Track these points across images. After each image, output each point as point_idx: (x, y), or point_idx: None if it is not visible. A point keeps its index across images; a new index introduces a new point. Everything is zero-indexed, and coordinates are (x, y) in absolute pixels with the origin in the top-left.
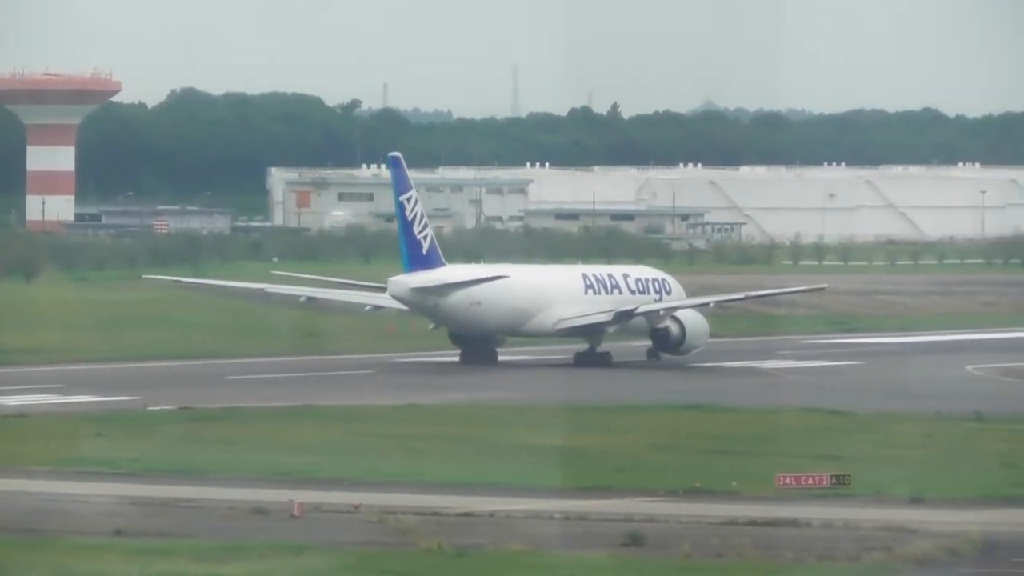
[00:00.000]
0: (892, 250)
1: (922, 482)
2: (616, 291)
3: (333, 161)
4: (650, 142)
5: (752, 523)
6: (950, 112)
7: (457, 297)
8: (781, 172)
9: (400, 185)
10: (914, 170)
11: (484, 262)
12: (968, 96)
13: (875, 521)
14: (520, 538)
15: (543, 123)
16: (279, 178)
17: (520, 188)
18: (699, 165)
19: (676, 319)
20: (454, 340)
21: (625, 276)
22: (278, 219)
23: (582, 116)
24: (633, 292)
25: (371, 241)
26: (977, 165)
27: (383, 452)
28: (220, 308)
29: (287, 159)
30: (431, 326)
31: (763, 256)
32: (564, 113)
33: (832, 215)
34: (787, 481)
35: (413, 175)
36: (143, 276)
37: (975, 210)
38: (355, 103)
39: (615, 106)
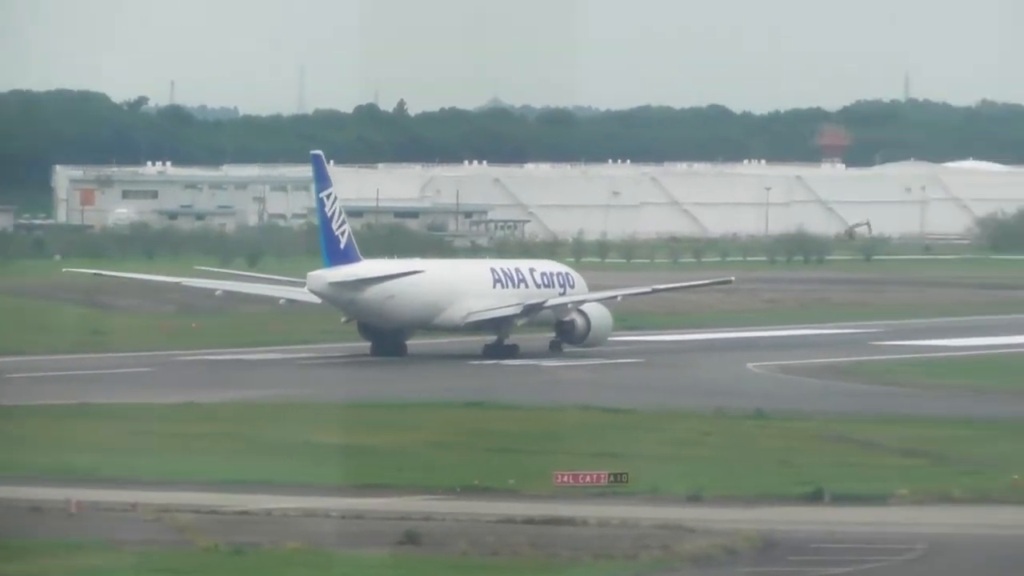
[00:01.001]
0: (675, 247)
1: (701, 480)
2: (523, 285)
3: (119, 158)
4: (436, 139)
5: (529, 521)
6: (736, 109)
7: (372, 291)
8: (566, 169)
9: (320, 182)
10: (699, 167)
11: (266, 259)
12: (754, 93)
13: (653, 519)
14: (297, 536)
15: (329, 120)
16: (63, 176)
17: (305, 185)
18: (484, 162)
19: (582, 312)
20: (364, 333)
21: (531, 270)
22: (62, 217)
23: (368, 113)
24: (539, 286)
25: (155, 238)
26: (762, 162)
27: (161, 450)
28: (2, 305)
29: (73, 157)
30: (343, 319)
31: (545, 253)
32: (350, 110)
33: (616, 212)
34: (565, 479)
35: (197, 172)
36: None
37: (759, 207)
38: (142, 100)
39: (401, 103)
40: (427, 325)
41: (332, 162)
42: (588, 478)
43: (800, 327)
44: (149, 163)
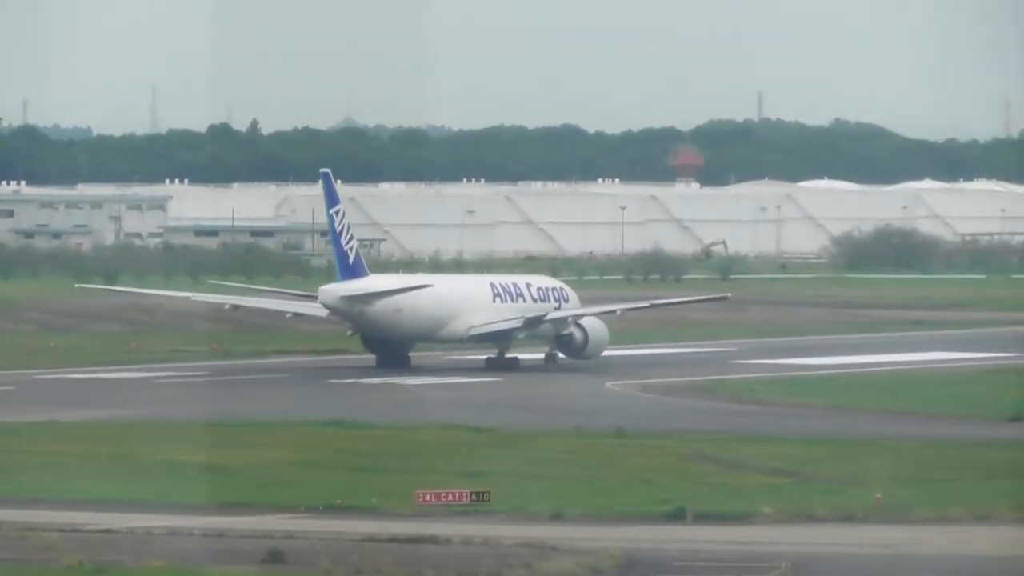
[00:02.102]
0: (531, 266)
1: (563, 498)
2: (520, 299)
3: None
4: (290, 158)
5: (393, 540)
6: (589, 129)
7: (380, 305)
8: (420, 188)
9: (329, 200)
10: (554, 186)
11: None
12: (608, 114)
13: (516, 537)
14: (160, 554)
15: (183, 139)
16: None
17: (160, 204)
18: (339, 181)
19: (580, 326)
20: (368, 345)
21: (528, 285)
22: None
23: (222, 132)
24: (535, 300)
25: (12, 257)
26: (616, 181)
27: (23, 468)
28: None
29: None
30: (349, 332)
31: (402, 272)
32: (204, 129)
33: (471, 231)
34: (427, 498)
35: (52, 192)
36: None
37: (615, 226)
38: None
39: (255, 123)
40: (431, 338)
41: (187, 181)
42: (450, 496)
43: (658, 346)
44: (3, 182)
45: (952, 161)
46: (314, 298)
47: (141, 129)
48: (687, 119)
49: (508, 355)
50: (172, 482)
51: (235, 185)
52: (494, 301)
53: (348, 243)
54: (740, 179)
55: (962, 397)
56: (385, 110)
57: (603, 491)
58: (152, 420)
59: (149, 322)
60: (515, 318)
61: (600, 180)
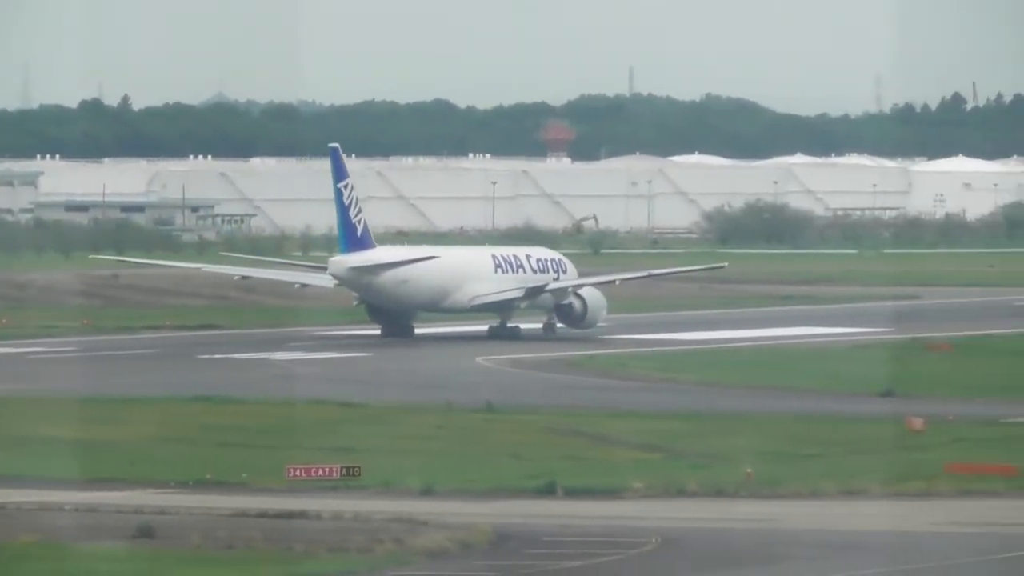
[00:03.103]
0: (403, 242)
1: (433, 474)
2: (520, 270)
3: None
4: (161, 134)
5: (263, 515)
6: (460, 104)
7: (387, 276)
8: (292, 164)
9: (337, 173)
10: (425, 161)
11: None
12: (478, 88)
13: (386, 513)
14: (31, 530)
15: (54, 115)
16: None
17: (31, 180)
18: (210, 157)
19: (579, 296)
20: (373, 316)
21: (528, 256)
22: None
23: (93, 108)
24: (535, 271)
25: None
26: (488, 156)
27: None
28: None
29: None
30: (355, 303)
31: (273, 247)
32: (75, 105)
33: None
34: (297, 473)
35: None
36: None
37: (486, 201)
38: None
39: (126, 98)
40: (435, 308)
41: (58, 157)
42: (320, 472)
43: (526, 322)
44: None
45: (823, 136)
46: (322, 269)
47: (12, 105)
48: (558, 94)
49: (509, 324)
50: (42, 457)
51: (106, 161)
52: (495, 272)
53: (356, 216)
54: (611, 154)
55: (833, 372)
56: (256, 85)
57: (473, 466)
58: (22, 395)
59: (20, 297)
60: (516, 288)
61: (471, 155)
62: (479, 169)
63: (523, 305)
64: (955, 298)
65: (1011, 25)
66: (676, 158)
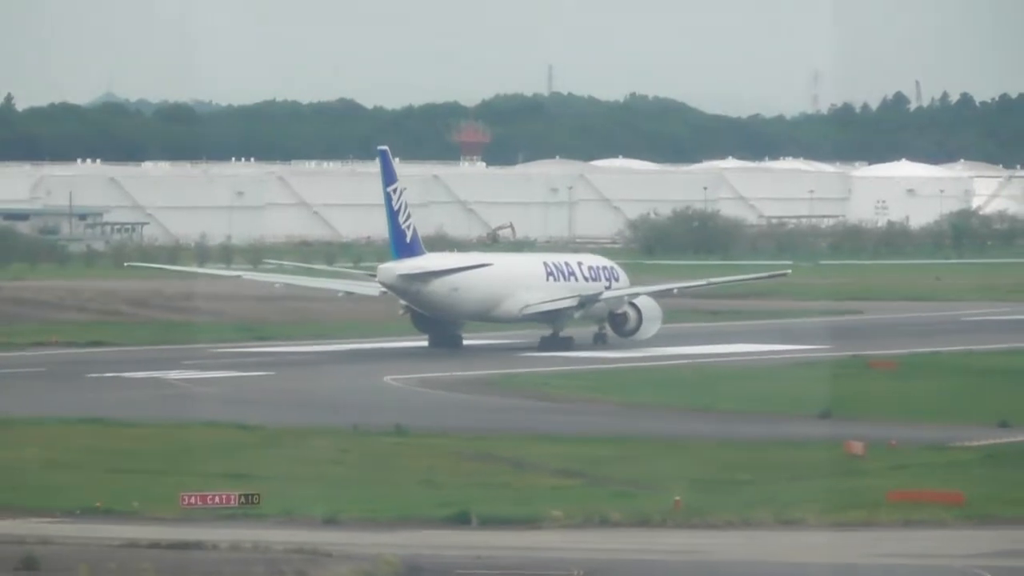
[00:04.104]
0: (306, 252)
1: (338, 501)
2: (572, 278)
3: None
4: (47, 136)
5: (155, 545)
6: (367, 104)
7: (437, 283)
8: (187, 168)
9: (387, 177)
10: (329, 166)
11: None
12: (386, 88)
13: (288, 543)
14: None
15: None
16: None
17: None
18: (99, 161)
19: (633, 305)
20: (420, 325)
21: (580, 263)
22: None
23: None
24: (587, 279)
25: None
26: (396, 160)
27: None
28: None
29: None
30: (400, 312)
31: (166, 258)
32: None
33: (241, 214)
34: (192, 500)
35: None
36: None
37: None
38: None
39: (9, 97)
40: (485, 317)
41: None
42: (217, 499)
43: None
44: None
45: (756, 138)
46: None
47: None
48: (472, 93)
49: (563, 334)
50: None
51: None
52: (547, 280)
53: (406, 221)
54: (529, 158)
55: (767, 393)
56: (149, 84)
57: (381, 493)
58: None
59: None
60: (570, 296)
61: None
62: None
63: (576, 315)
64: (899, 313)
65: (958, 19)
66: (599, 162)
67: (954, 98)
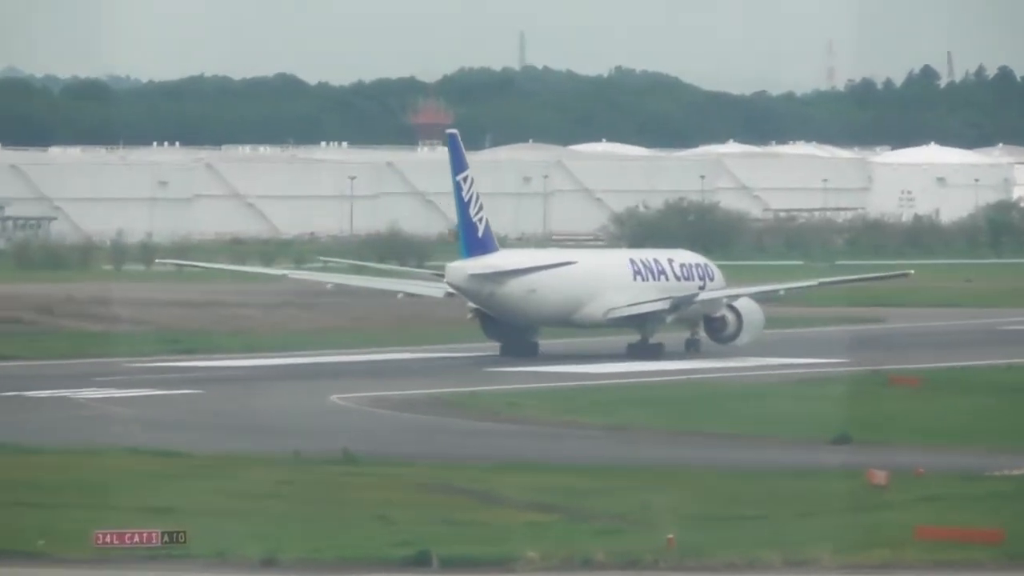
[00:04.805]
0: (240, 250)
1: (277, 540)
2: (663, 277)
3: None
4: None
5: None
6: (310, 79)
7: (514, 284)
8: (101, 154)
9: (456, 164)
10: (266, 151)
11: None
12: (333, 61)
13: None
14: None
15: None
16: None
17: None
18: None
19: (733, 308)
20: (491, 331)
21: (670, 261)
22: None
23: None
24: (679, 278)
25: None
26: (344, 145)
27: None
28: None
29: None
30: (469, 315)
31: (77, 259)
32: None
33: (164, 207)
34: (108, 539)
35: None
36: None
37: (342, 200)
38: None
39: None
40: (565, 322)
41: None
42: (136, 538)
43: (397, 350)
44: None
45: (761, 120)
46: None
47: None
48: (432, 68)
49: (653, 341)
50: None
51: None
52: (634, 279)
53: (477, 214)
54: (498, 142)
55: (774, 414)
56: (57, 58)
57: (327, 530)
58: None
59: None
60: (661, 299)
61: (324, 143)
62: (333, 161)
63: (669, 319)
64: (926, 321)
65: None
66: (578, 147)
67: (991, 72)
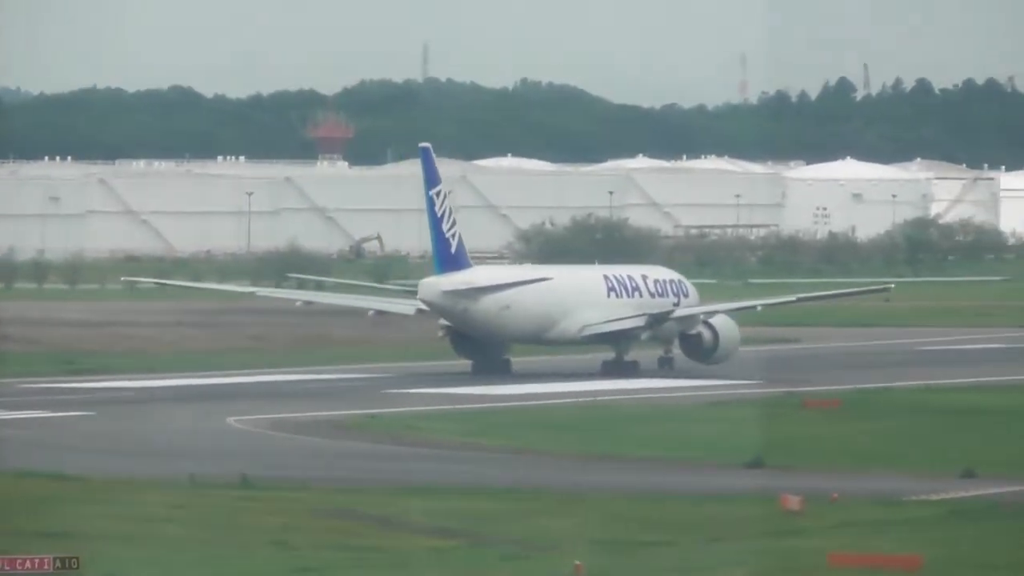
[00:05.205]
0: (134, 269)
1: (171, 566)
2: (637, 293)
3: None
4: None
5: None
6: (207, 92)
7: (487, 301)
8: None
9: (429, 178)
10: (161, 166)
11: None
12: (229, 74)
13: None
14: None
15: None
16: None
17: None
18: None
19: (709, 325)
20: (461, 348)
21: (644, 277)
22: None
23: None
24: (653, 295)
25: None
26: (241, 159)
27: None
28: None
29: None
30: (440, 333)
31: None
32: None
33: (55, 223)
34: (1, 566)
35: None
36: None
37: (239, 216)
38: None
39: None
40: (539, 339)
41: None
42: (28, 563)
43: (295, 371)
44: None
45: (672, 133)
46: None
47: None
48: (331, 80)
49: (628, 359)
50: None
51: None
52: (608, 296)
53: (450, 229)
54: (400, 156)
55: (684, 437)
56: None
57: (222, 556)
58: None
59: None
60: (636, 315)
61: (221, 158)
62: (230, 176)
63: (645, 336)
64: (842, 341)
65: None
66: (483, 161)
67: (909, 85)
